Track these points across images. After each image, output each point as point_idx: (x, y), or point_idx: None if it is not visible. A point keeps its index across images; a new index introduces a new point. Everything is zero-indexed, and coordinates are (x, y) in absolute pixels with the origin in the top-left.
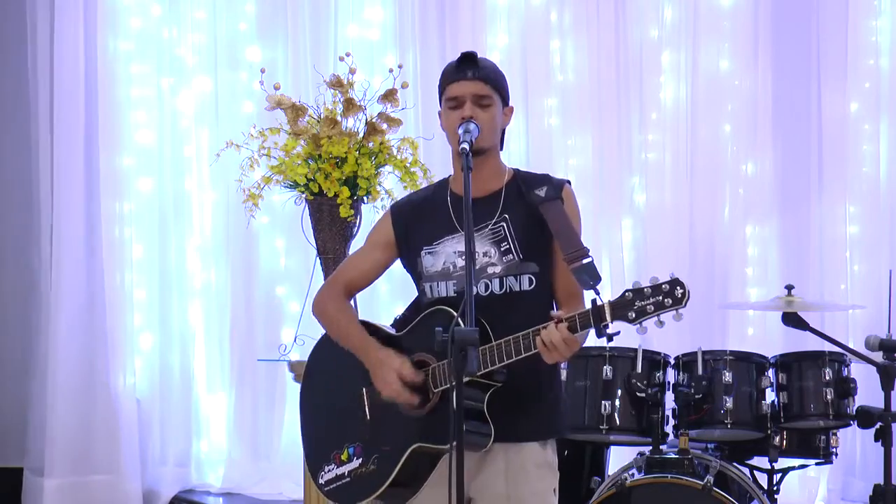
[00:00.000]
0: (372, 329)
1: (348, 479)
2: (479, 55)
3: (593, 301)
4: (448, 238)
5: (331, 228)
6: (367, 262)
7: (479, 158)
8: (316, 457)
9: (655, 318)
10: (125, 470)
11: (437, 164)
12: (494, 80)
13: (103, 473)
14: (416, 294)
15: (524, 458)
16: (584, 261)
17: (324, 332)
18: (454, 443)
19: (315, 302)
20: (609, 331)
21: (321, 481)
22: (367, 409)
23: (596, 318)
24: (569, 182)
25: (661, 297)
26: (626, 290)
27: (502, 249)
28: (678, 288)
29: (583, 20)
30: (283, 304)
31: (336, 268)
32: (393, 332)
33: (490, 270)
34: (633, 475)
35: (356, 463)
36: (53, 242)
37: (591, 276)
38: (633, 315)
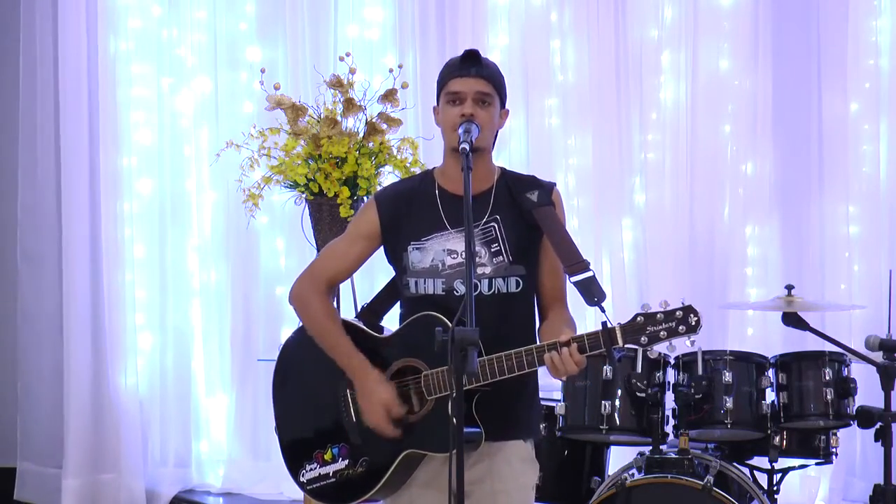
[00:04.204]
0: (354, 330)
1: (333, 479)
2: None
3: (604, 323)
4: (437, 235)
5: (331, 228)
6: (351, 254)
7: (473, 158)
8: (295, 454)
9: (668, 343)
10: (126, 470)
11: (437, 163)
12: (496, 81)
13: (105, 473)
14: (390, 277)
15: (509, 454)
16: (586, 275)
17: (296, 327)
18: (454, 445)
19: (295, 294)
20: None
21: (302, 479)
22: (352, 412)
23: (607, 340)
24: (555, 184)
25: (673, 324)
26: (638, 315)
27: (493, 251)
28: (692, 315)
29: (583, 20)
30: (283, 304)
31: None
32: (376, 334)
33: (480, 271)
34: (633, 475)
35: (342, 464)
36: (64, 243)
37: (595, 294)
38: (646, 340)
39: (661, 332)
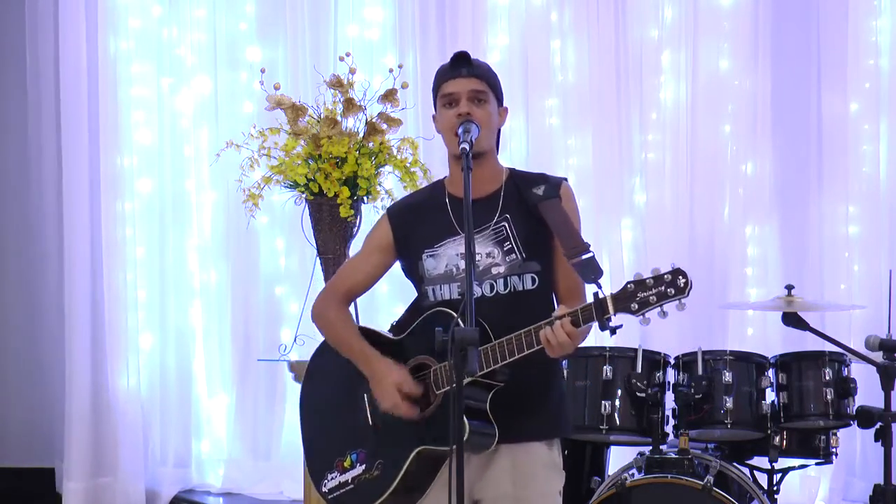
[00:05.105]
0: (372, 335)
1: (352, 485)
2: (472, 56)
3: (595, 294)
4: (449, 240)
5: (331, 228)
6: (367, 266)
7: (478, 161)
8: (318, 465)
9: (658, 309)
10: (126, 471)
11: (437, 164)
12: (489, 78)
13: (105, 475)
14: (414, 296)
15: (532, 459)
16: (585, 256)
17: (315, 354)
18: (454, 445)
19: (315, 309)
20: (612, 324)
21: (324, 489)
22: (369, 415)
23: (598, 310)
24: (566, 179)
25: (663, 287)
26: (628, 282)
27: (505, 249)
28: (680, 277)
29: (583, 20)
30: (282, 304)
31: (336, 269)
32: (392, 336)
33: (494, 271)
34: (633, 475)
35: (360, 469)
36: (65, 243)
37: (592, 271)
38: (636, 306)
39: (651, 297)
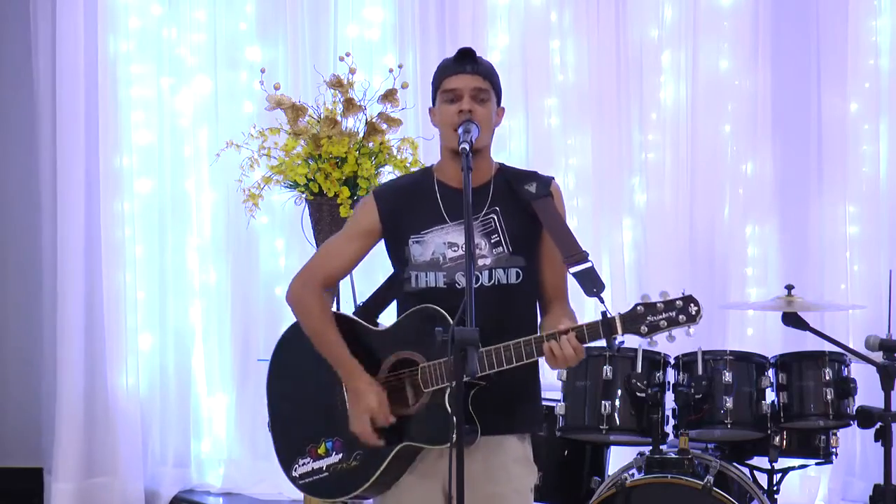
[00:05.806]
0: (350, 323)
1: (326, 473)
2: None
3: (603, 313)
4: (437, 228)
5: (331, 228)
6: (349, 252)
7: (473, 157)
8: (288, 449)
9: (667, 333)
10: (126, 471)
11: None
12: (492, 78)
13: (104, 475)
14: (379, 279)
15: (504, 454)
16: (585, 266)
17: (294, 321)
18: (455, 445)
19: (292, 292)
20: (617, 341)
21: (295, 474)
22: (348, 404)
23: (606, 329)
24: (554, 178)
25: (674, 313)
26: (637, 304)
27: (492, 242)
28: (692, 305)
29: (583, 20)
30: (282, 304)
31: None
32: (372, 327)
33: (480, 262)
34: (633, 475)
35: (335, 458)
36: (59, 243)
37: (594, 284)
38: (646, 329)
39: (661, 322)
